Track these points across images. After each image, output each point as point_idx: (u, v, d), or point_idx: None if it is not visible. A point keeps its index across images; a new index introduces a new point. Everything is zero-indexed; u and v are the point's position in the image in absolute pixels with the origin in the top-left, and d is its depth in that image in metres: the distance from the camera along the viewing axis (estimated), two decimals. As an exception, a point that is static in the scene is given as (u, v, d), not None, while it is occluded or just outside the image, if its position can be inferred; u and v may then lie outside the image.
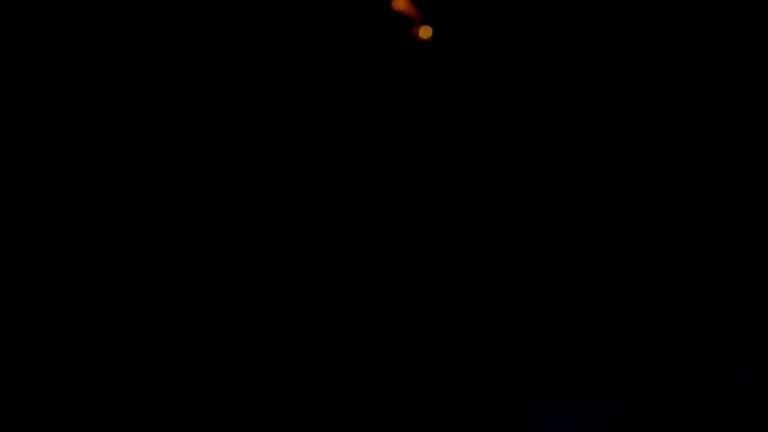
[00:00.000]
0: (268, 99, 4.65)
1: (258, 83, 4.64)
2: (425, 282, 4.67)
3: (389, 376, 4.58)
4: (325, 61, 4.65)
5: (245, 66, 4.63)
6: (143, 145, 4.57)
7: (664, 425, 4.51)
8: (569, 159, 4.77)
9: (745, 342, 4.66)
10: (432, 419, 4.52)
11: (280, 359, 4.55)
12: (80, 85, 4.54)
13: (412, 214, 4.70)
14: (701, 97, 4.78)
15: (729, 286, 4.72)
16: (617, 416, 4.53)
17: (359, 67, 4.66)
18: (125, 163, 4.56)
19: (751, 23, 4.73)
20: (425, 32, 4.30)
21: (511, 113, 4.76)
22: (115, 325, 4.44)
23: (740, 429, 4.48)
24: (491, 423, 4.52)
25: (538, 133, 4.78)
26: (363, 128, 4.71)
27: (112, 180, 4.54)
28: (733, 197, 4.75)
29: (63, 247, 4.46)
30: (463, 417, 4.53)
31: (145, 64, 4.57)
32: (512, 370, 4.63)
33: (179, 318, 4.51)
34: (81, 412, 4.33)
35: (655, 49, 4.76)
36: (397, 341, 4.62)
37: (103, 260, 4.49)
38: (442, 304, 4.66)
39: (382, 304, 4.62)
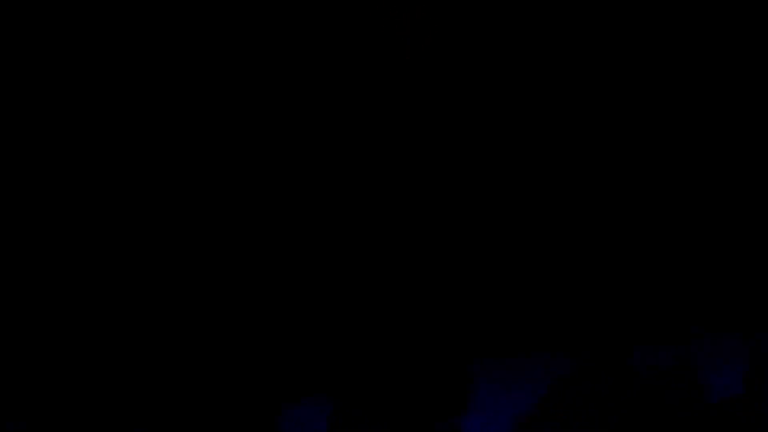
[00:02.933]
0: (265, 99, 4.67)
1: (255, 84, 4.66)
2: (370, 256, 4.68)
3: (337, 346, 4.60)
4: (320, 62, 4.66)
5: (239, 67, 4.64)
6: (143, 144, 4.59)
7: (604, 392, 4.58)
8: (510, 131, 4.77)
9: (679, 312, 4.74)
10: (377, 389, 4.55)
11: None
12: (81, 85, 4.56)
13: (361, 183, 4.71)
14: (699, 96, 4.79)
15: (665, 257, 4.77)
16: (556, 385, 4.59)
17: (354, 68, 4.68)
18: (125, 163, 4.58)
19: (751, 23, 4.74)
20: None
21: (503, 110, 4.78)
22: (115, 325, 4.47)
23: (674, 397, 4.57)
24: (433, 392, 4.57)
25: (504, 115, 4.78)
26: (360, 128, 4.73)
27: (112, 179, 4.57)
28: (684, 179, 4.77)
29: (63, 246, 4.48)
30: (406, 386, 4.57)
31: (144, 64, 4.59)
32: (455, 341, 4.67)
33: (179, 317, 4.54)
34: (81, 411, 4.36)
35: (651, 49, 4.77)
36: (343, 314, 4.64)
37: (103, 259, 4.52)
38: (387, 276, 4.68)
39: (328, 278, 4.63)
